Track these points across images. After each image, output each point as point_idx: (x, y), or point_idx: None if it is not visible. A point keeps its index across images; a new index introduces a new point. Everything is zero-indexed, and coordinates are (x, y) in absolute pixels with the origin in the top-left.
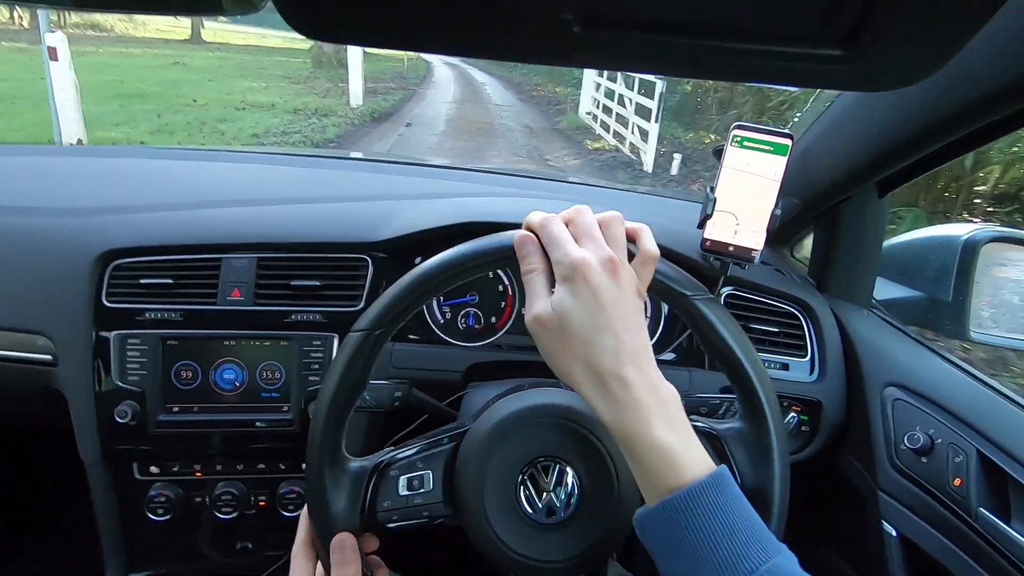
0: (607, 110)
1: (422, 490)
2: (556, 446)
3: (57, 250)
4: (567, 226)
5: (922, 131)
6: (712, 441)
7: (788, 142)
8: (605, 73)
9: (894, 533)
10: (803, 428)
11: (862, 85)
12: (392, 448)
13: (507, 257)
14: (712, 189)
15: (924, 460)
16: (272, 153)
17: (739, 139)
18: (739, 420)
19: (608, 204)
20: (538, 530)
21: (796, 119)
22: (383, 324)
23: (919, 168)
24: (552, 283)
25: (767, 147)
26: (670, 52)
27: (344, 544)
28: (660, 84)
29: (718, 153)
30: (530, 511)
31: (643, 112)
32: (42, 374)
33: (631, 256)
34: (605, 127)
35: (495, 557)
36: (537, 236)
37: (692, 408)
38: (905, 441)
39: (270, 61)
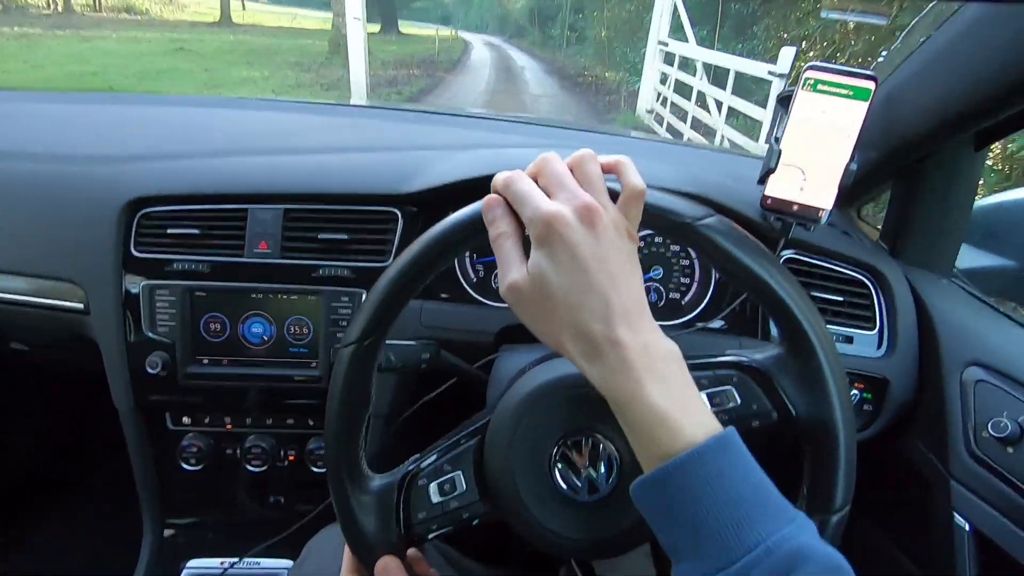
0: (677, 110)
1: (455, 493)
2: (585, 418)
3: (86, 197)
4: (536, 180)
5: None
6: (752, 374)
7: (871, 85)
8: (676, 60)
9: (967, 527)
10: (865, 407)
11: None
12: (416, 456)
13: (480, 231)
14: (777, 140)
15: (1010, 450)
16: (300, 102)
17: (812, 82)
18: (779, 344)
19: (652, 157)
20: (583, 509)
21: (882, 58)
22: (371, 332)
23: None
24: (526, 247)
25: (845, 91)
26: None
27: (389, 567)
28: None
29: (785, 100)
30: (569, 490)
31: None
32: (75, 322)
33: (614, 196)
34: (673, 132)
35: (543, 544)
36: (504, 198)
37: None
38: (989, 428)
39: (292, 45)
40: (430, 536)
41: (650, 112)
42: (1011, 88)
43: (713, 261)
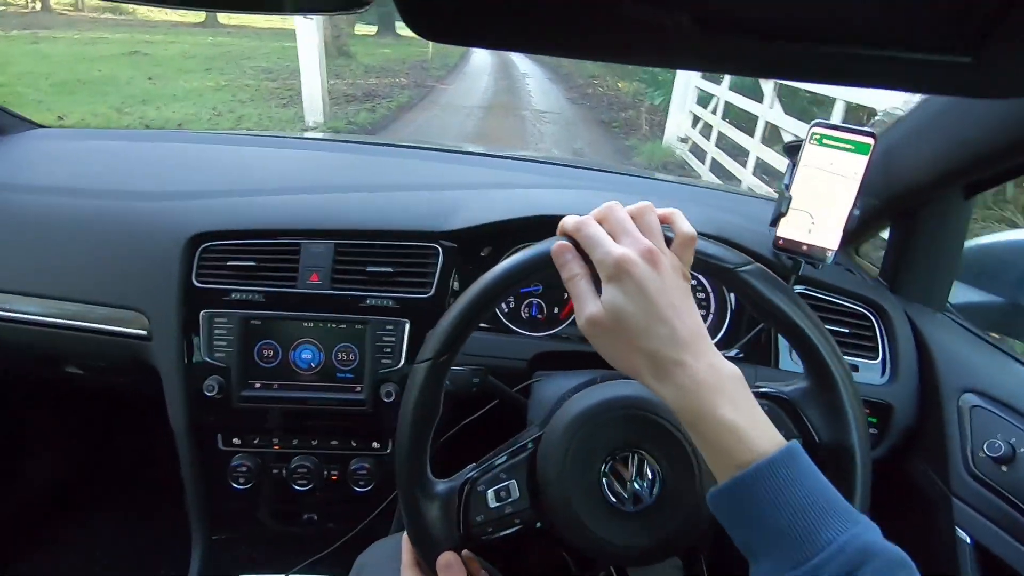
0: (724, 141)
1: (510, 499)
2: (633, 437)
3: (151, 232)
4: (601, 224)
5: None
6: (781, 404)
7: (870, 141)
8: (725, 79)
9: (968, 540)
10: (871, 431)
11: (988, 92)
12: (474, 465)
13: (548, 266)
14: (787, 187)
15: (1005, 469)
16: (342, 141)
17: (818, 137)
18: (805, 380)
19: (673, 199)
20: (627, 519)
21: (878, 117)
22: (445, 351)
23: (1013, 172)
24: (596, 285)
25: (848, 145)
26: (788, 57)
27: (450, 562)
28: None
29: (792, 150)
30: (616, 501)
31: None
32: (137, 348)
33: (668, 241)
34: (719, 170)
35: (591, 550)
36: (572, 240)
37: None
38: (984, 449)
39: (272, 48)
40: (485, 537)
41: (684, 141)
42: (997, 149)
43: (750, 303)
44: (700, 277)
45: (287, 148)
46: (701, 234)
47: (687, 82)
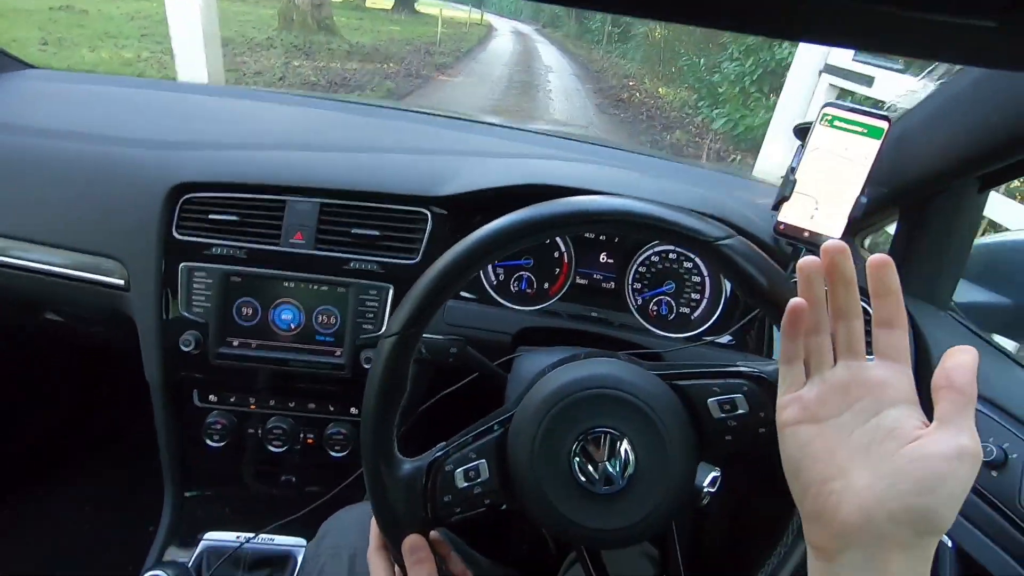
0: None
1: (479, 480)
2: (604, 416)
3: (134, 179)
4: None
5: None
6: (760, 383)
7: (884, 125)
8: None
9: (950, 544)
10: None
11: (1014, 62)
12: (443, 444)
13: (526, 236)
14: (793, 170)
15: (994, 474)
16: (337, 100)
17: (829, 118)
18: None
19: (672, 177)
20: (599, 500)
21: (890, 103)
22: (413, 324)
23: None
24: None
25: (860, 128)
26: (803, 15)
27: (416, 545)
28: None
29: (802, 132)
30: (587, 482)
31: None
32: (114, 297)
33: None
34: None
35: (560, 532)
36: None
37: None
38: None
39: (236, 12)
40: (453, 519)
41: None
42: (1015, 138)
43: (731, 277)
44: (696, 259)
45: (283, 104)
46: (678, 207)
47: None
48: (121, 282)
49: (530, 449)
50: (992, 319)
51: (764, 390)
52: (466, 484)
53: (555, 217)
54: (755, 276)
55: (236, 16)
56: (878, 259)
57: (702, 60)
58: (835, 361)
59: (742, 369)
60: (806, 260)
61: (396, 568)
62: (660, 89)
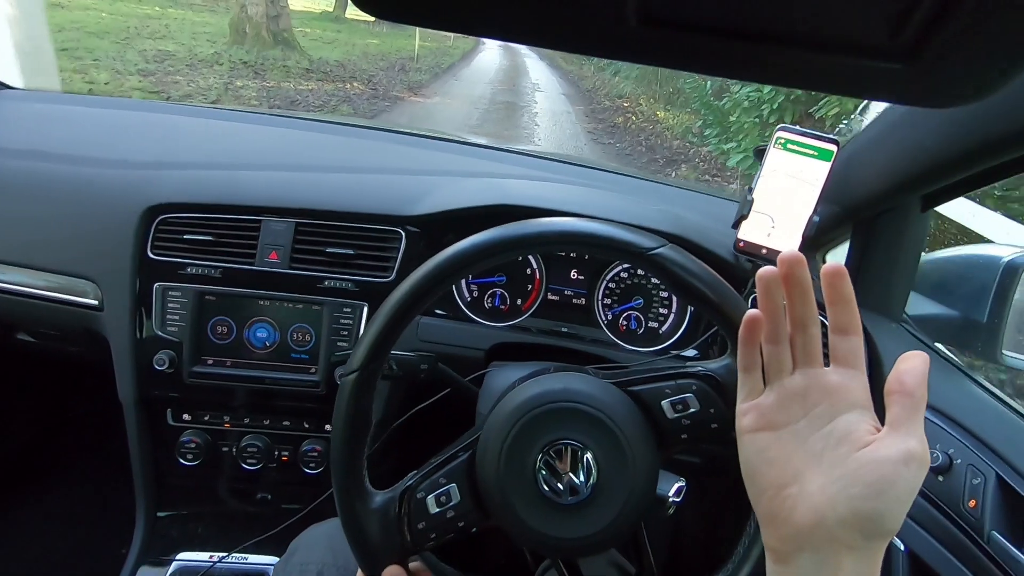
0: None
1: (451, 503)
2: (568, 429)
3: (108, 200)
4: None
5: (974, 148)
6: (708, 381)
7: (833, 148)
8: None
9: (902, 548)
10: None
11: (921, 100)
12: (414, 472)
13: (476, 262)
14: (750, 190)
15: (940, 479)
16: (312, 120)
17: (783, 141)
18: (730, 355)
19: (641, 194)
20: (563, 511)
21: (843, 125)
22: (372, 359)
23: (967, 185)
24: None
25: (811, 151)
26: (727, 54)
27: None
28: None
29: (760, 153)
30: (552, 494)
31: None
32: (88, 317)
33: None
34: None
35: (531, 544)
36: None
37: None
38: None
39: (195, 22)
40: (430, 544)
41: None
42: (952, 160)
43: (669, 284)
44: None
45: (259, 124)
46: (647, 228)
47: None
48: (95, 302)
49: (496, 466)
50: (942, 330)
51: (713, 387)
52: (438, 509)
53: (499, 243)
54: (690, 282)
55: (194, 27)
56: (832, 268)
57: (708, 82)
58: (793, 369)
59: (690, 369)
60: (764, 270)
61: None
62: (659, 112)
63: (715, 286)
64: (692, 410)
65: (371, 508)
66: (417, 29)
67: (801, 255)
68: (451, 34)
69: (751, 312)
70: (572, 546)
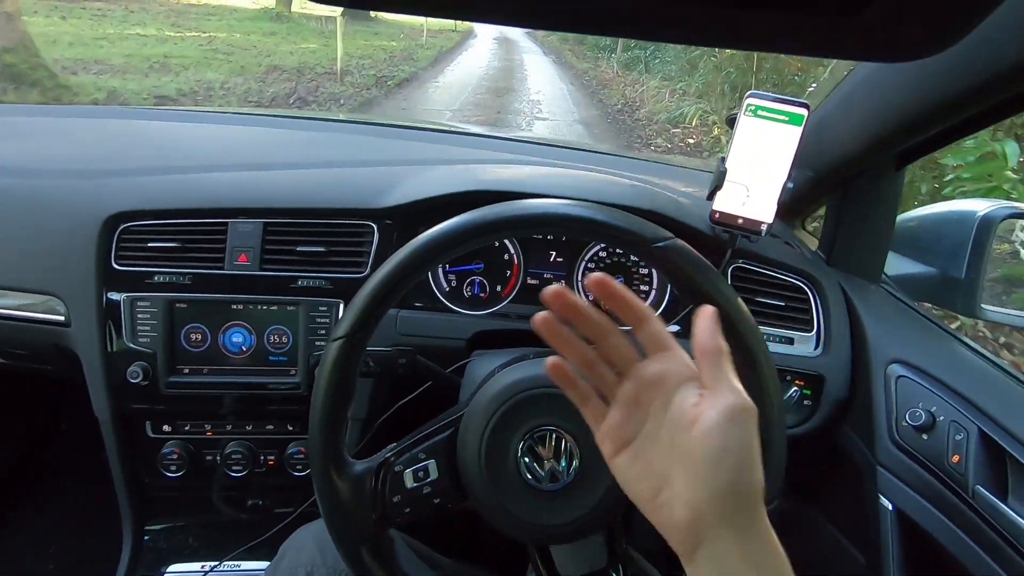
0: None
1: (428, 479)
2: (550, 415)
3: (66, 212)
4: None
5: (943, 103)
6: None
7: (804, 112)
8: None
9: (890, 507)
10: (805, 402)
11: (876, 55)
12: (394, 445)
13: (473, 238)
14: (723, 160)
15: (924, 437)
16: (278, 116)
17: (753, 108)
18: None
19: (616, 171)
20: (545, 497)
21: (812, 88)
22: (360, 328)
23: (939, 141)
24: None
25: (782, 116)
26: (675, 17)
27: None
28: None
29: (732, 122)
30: (533, 480)
31: None
32: (55, 334)
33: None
34: None
35: (508, 528)
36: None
37: None
38: (907, 418)
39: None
40: (402, 519)
41: None
42: (922, 115)
43: (670, 278)
44: None
45: (221, 124)
46: (620, 206)
47: None
48: (62, 318)
49: (478, 448)
50: (921, 288)
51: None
52: (415, 484)
53: (500, 220)
54: (694, 278)
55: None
56: (591, 279)
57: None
58: (619, 379)
59: None
60: (536, 318)
61: None
62: (712, 119)
63: (719, 289)
64: None
65: (347, 476)
66: (339, 31)
67: (559, 287)
68: (440, 27)
69: (550, 361)
70: (549, 533)
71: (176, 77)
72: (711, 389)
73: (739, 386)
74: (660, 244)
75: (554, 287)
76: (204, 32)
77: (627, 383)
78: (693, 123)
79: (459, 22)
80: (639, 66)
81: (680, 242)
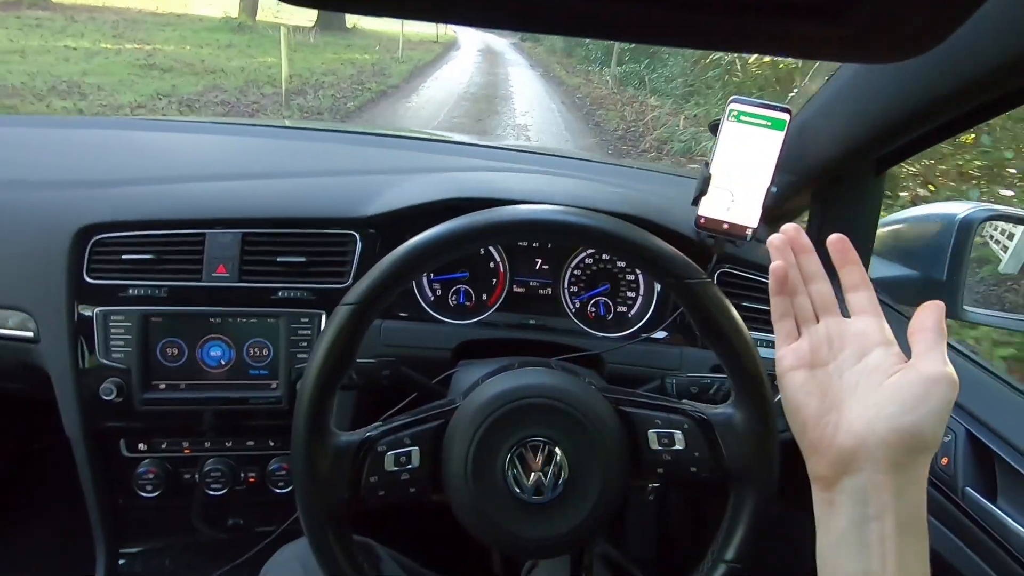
0: None
1: (408, 466)
2: (544, 426)
3: (35, 225)
4: None
5: (921, 107)
6: (701, 425)
7: (786, 117)
8: None
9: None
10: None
11: (858, 56)
12: (380, 423)
13: (500, 233)
14: (707, 165)
15: None
16: (257, 125)
17: (736, 113)
18: (731, 406)
19: (603, 178)
20: (526, 509)
21: (794, 93)
22: (373, 298)
23: (918, 145)
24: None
25: (764, 121)
26: (655, 19)
27: None
28: None
29: (715, 127)
30: (518, 490)
31: None
32: (24, 351)
33: None
34: None
35: (482, 534)
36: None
37: (683, 388)
38: None
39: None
40: (374, 502)
41: None
42: (901, 119)
43: (694, 317)
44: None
45: (198, 133)
46: (607, 212)
47: None
48: (30, 334)
49: (466, 447)
50: (904, 292)
51: (704, 432)
52: (395, 468)
53: (544, 223)
54: (720, 323)
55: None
56: (835, 238)
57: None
58: (817, 320)
59: (687, 408)
60: (775, 237)
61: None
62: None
63: (744, 341)
64: (676, 447)
65: (328, 446)
66: (283, 52)
67: (797, 226)
68: (420, 37)
69: (776, 264)
70: (525, 546)
71: (82, 100)
72: (922, 356)
73: (950, 364)
74: (694, 281)
75: (795, 225)
76: (148, 45)
77: (823, 325)
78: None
79: (441, 33)
80: (634, 80)
81: (711, 282)
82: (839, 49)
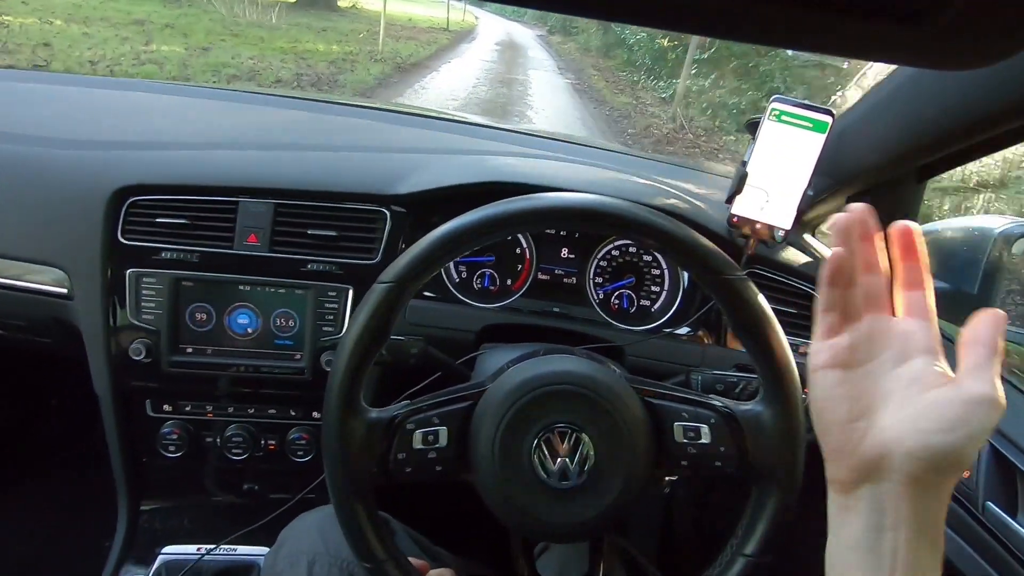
0: None
1: (436, 445)
2: (572, 413)
3: (74, 183)
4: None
5: (977, 118)
6: (728, 420)
7: (828, 119)
8: None
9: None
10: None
11: (931, 61)
12: (408, 401)
13: (542, 219)
14: (744, 163)
15: None
16: (294, 98)
17: (777, 113)
18: (760, 403)
19: (637, 171)
20: (549, 494)
21: (837, 96)
22: (411, 277)
23: (965, 156)
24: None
25: (806, 123)
26: (731, 14)
27: None
28: None
29: (753, 126)
30: (543, 475)
31: None
32: (57, 306)
33: None
34: None
35: (505, 516)
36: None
37: (708, 384)
38: None
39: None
40: (401, 477)
41: None
42: (948, 130)
43: (730, 314)
44: (655, 253)
45: (235, 102)
46: (637, 203)
47: None
48: (64, 290)
49: (494, 429)
50: (936, 305)
51: (731, 428)
52: (423, 446)
53: (590, 211)
54: (757, 322)
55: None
56: (901, 225)
57: None
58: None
59: (715, 403)
60: (842, 216)
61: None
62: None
63: (778, 337)
64: (702, 441)
65: (359, 421)
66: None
67: (866, 206)
68: (428, 22)
69: (837, 251)
70: (546, 530)
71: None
72: (970, 373)
73: (999, 385)
74: (733, 277)
75: (865, 206)
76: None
77: (868, 321)
78: None
79: (456, 20)
80: (701, 102)
81: (748, 280)
82: (914, 53)
